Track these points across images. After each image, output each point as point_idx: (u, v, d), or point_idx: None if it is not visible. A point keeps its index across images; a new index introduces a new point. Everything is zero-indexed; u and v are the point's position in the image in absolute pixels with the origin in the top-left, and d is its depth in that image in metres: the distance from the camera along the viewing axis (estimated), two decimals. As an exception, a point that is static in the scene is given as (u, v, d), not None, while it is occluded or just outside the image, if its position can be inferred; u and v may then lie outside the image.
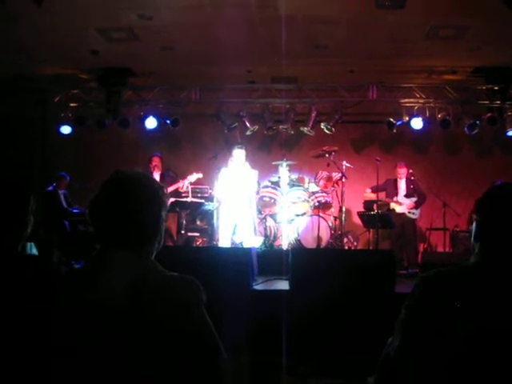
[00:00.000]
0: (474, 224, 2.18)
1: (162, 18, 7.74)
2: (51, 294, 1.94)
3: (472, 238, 2.18)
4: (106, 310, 1.79)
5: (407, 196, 10.23)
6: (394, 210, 10.13)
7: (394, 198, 10.21)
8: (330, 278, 5.67)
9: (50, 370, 1.83)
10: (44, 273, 2.19)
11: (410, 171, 10.33)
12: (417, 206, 10.20)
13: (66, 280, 2.04)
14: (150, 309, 1.80)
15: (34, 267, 2.23)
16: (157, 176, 10.10)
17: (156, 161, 10.36)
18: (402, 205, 10.17)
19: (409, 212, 10.18)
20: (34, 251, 8.37)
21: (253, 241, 9.10)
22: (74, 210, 10.43)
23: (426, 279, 2.12)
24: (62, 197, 10.51)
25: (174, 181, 10.10)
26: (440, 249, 10.46)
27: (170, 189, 9.53)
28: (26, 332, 1.96)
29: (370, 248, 10.18)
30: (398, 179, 10.36)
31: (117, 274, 1.85)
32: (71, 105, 11.14)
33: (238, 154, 9.12)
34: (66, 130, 11.10)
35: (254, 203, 9.52)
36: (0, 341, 2.01)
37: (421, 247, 10.78)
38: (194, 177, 9.96)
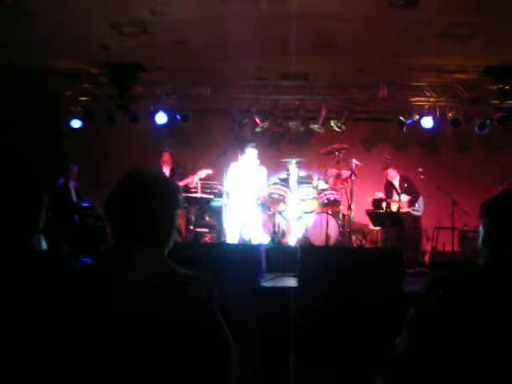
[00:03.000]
0: (482, 227, 2.19)
1: (174, 13, 7.74)
2: (67, 289, 1.97)
3: (480, 241, 2.19)
4: (122, 307, 1.81)
5: (401, 193, 10.34)
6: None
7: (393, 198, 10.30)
8: (339, 276, 5.67)
9: (67, 366, 1.85)
10: (59, 268, 2.21)
11: (420, 169, 10.35)
12: (410, 203, 10.26)
13: (82, 276, 2.06)
14: (166, 307, 1.82)
15: (48, 262, 2.25)
16: (166, 171, 10.12)
17: (166, 156, 10.38)
18: (402, 204, 10.25)
19: (412, 210, 10.25)
20: (44, 244, 8.41)
21: (261, 237, 9.11)
22: (84, 204, 10.47)
23: (436, 280, 2.13)
24: (72, 190, 10.56)
25: (184, 176, 10.12)
26: (448, 248, 10.44)
27: (180, 184, 9.52)
28: (42, 327, 1.98)
29: (378, 246, 10.17)
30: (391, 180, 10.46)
31: (132, 271, 1.87)
32: (82, 99, 11.18)
33: (251, 153, 9.16)
34: (76, 124, 11.16)
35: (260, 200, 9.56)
36: (15, 336, 2.03)
37: (429, 246, 10.76)
38: (204, 173, 9.98)
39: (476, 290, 2.01)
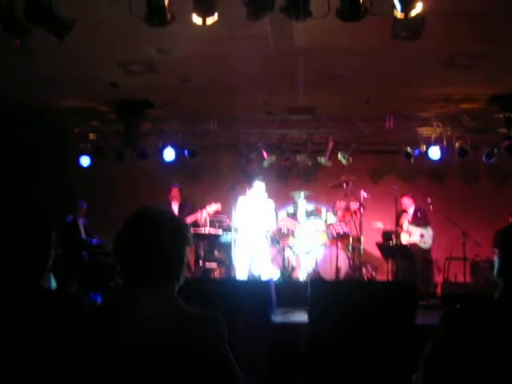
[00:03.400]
0: (496, 258, 2.16)
1: (181, 50, 7.82)
2: (75, 329, 1.95)
3: (495, 273, 2.15)
4: (130, 348, 1.79)
5: (411, 223, 10.27)
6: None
7: (404, 228, 10.23)
8: (350, 310, 5.61)
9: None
10: (68, 307, 2.19)
11: (429, 200, 10.33)
12: (412, 221, 10.21)
13: (90, 317, 2.04)
14: (174, 345, 1.80)
15: (57, 302, 2.23)
16: (175, 207, 10.13)
17: (175, 191, 10.39)
18: (411, 234, 10.18)
19: (420, 241, 10.19)
20: (53, 282, 8.40)
21: (270, 272, 9.06)
22: (93, 241, 10.48)
23: (450, 315, 2.09)
24: (81, 227, 10.58)
25: (193, 212, 10.12)
26: (460, 279, 10.34)
27: (189, 220, 9.54)
28: (51, 366, 1.96)
29: (389, 278, 10.09)
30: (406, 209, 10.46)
31: (141, 309, 1.85)
32: (90, 136, 11.27)
33: (258, 186, 9.15)
34: (85, 161, 11.24)
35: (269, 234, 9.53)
36: (24, 377, 2.01)
37: (440, 277, 10.67)
38: (213, 208, 9.98)
39: (491, 323, 1.97)
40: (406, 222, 10.29)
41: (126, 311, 1.87)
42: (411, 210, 10.46)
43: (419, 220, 10.33)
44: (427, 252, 10.36)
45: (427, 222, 10.36)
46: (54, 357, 1.98)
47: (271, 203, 9.41)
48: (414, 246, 10.16)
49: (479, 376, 1.91)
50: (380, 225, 10.42)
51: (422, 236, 10.25)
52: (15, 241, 2.25)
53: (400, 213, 10.26)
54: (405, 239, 10.18)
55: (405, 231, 10.20)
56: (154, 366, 1.77)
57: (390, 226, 10.19)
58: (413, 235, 10.22)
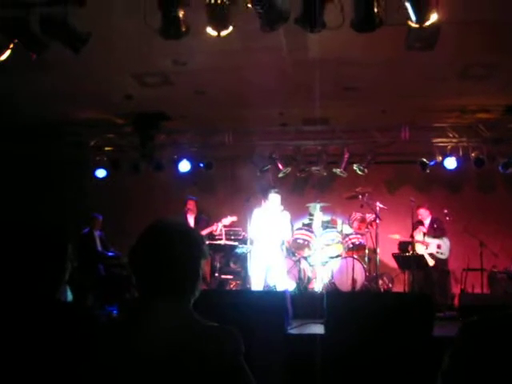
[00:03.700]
0: None
1: (196, 62, 7.86)
2: (90, 342, 1.95)
3: None
4: (144, 361, 1.79)
5: (428, 234, 10.19)
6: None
7: (418, 239, 10.16)
8: (367, 322, 5.57)
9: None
10: (83, 320, 2.19)
11: (445, 211, 10.27)
12: (429, 233, 10.15)
13: (105, 330, 2.04)
14: (189, 360, 1.79)
15: (72, 314, 2.23)
16: (191, 219, 10.15)
17: (190, 204, 10.41)
18: (428, 245, 10.09)
19: (437, 252, 10.10)
20: (69, 294, 8.42)
21: (286, 283, 9.03)
22: (109, 254, 10.51)
23: (469, 326, 2.05)
24: (97, 239, 10.62)
25: (208, 224, 10.14)
26: (477, 290, 10.24)
27: (204, 232, 9.56)
28: (65, 380, 1.96)
29: (406, 290, 10.02)
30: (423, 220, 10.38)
31: (156, 325, 1.85)
32: (106, 149, 11.33)
33: (274, 199, 9.14)
34: (101, 173, 11.30)
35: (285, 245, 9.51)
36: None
37: (457, 289, 10.58)
38: (228, 220, 10.00)
39: (510, 335, 1.94)
40: (420, 234, 10.21)
41: (140, 324, 1.87)
42: (428, 221, 10.39)
43: (436, 231, 10.26)
44: (444, 263, 10.28)
45: (444, 233, 10.29)
46: (69, 369, 1.98)
47: (287, 215, 9.40)
48: (432, 256, 10.07)
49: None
50: (397, 236, 10.37)
51: (439, 247, 10.16)
52: (30, 253, 2.25)
53: (416, 224, 10.19)
54: (421, 250, 10.11)
55: (420, 242, 10.12)
56: (167, 378, 1.77)
57: (407, 237, 10.13)
58: (430, 246, 10.15)
